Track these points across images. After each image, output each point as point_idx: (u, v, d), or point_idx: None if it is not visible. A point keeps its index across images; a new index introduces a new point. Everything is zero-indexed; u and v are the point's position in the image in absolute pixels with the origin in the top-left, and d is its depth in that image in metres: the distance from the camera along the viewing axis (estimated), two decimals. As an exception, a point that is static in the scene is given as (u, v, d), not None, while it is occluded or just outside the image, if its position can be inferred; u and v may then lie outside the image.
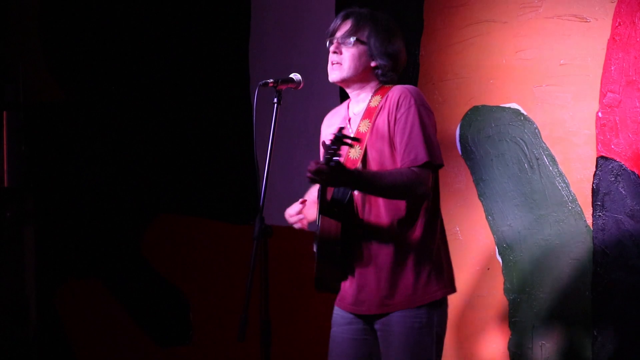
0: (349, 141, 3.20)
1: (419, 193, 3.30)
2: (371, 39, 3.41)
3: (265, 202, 3.32)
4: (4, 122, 5.26)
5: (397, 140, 3.32)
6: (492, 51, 4.23)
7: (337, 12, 4.68)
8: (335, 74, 3.45)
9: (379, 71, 3.43)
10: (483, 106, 4.27)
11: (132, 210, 5.37)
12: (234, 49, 5.17)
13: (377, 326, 3.40)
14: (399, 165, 3.32)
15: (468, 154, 4.31)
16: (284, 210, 3.57)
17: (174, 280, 5.31)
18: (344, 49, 3.43)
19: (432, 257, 3.37)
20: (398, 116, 3.33)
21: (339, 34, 3.45)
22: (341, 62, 3.43)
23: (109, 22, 5.39)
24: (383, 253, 3.36)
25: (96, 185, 5.40)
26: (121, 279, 5.41)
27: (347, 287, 3.44)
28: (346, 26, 3.44)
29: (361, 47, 3.42)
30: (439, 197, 3.44)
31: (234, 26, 5.18)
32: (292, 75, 3.45)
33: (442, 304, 3.39)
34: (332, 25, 3.49)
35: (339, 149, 3.15)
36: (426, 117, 3.33)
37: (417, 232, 3.35)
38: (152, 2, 5.33)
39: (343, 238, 3.33)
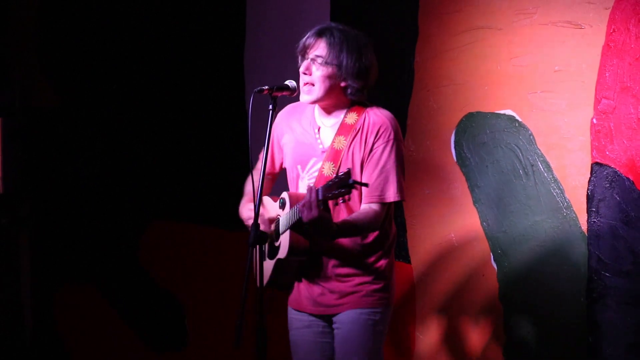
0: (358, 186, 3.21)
1: (377, 228, 3.44)
2: (342, 60, 3.40)
3: (260, 208, 3.34)
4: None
5: (368, 170, 3.40)
6: (487, 58, 4.24)
7: (331, 18, 4.70)
8: (306, 97, 3.45)
9: (349, 90, 3.44)
10: (478, 112, 4.28)
11: (128, 216, 5.37)
12: (229, 55, 5.17)
13: (334, 325, 3.48)
14: (363, 194, 3.40)
15: (463, 161, 4.31)
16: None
17: (170, 286, 5.30)
18: (313, 69, 3.42)
19: (387, 265, 3.48)
20: (375, 146, 3.40)
21: (309, 53, 3.44)
22: (312, 83, 3.42)
23: (104, 27, 5.38)
24: (341, 260, 3.44)
25: (92, 191, 5.40)
26: (117, 284, 5.40)
27: (304, 289, 3.50)
28: (317, 46, 3.42)
29: (330, 69, 3.40)
30: (392, 217, 3.52)
31: (229, 32, 5.18)
32: (287, 82, 3.46)
33: (391, 304, 3.51)
34: (304, 41, 3.45)
35: (348, 192, 3.15)
36: (400, 154, 3.42)
37: (375, 244, 3.45)
38: (148, 7, 5.33)
39: (310, 251, 3.41)
